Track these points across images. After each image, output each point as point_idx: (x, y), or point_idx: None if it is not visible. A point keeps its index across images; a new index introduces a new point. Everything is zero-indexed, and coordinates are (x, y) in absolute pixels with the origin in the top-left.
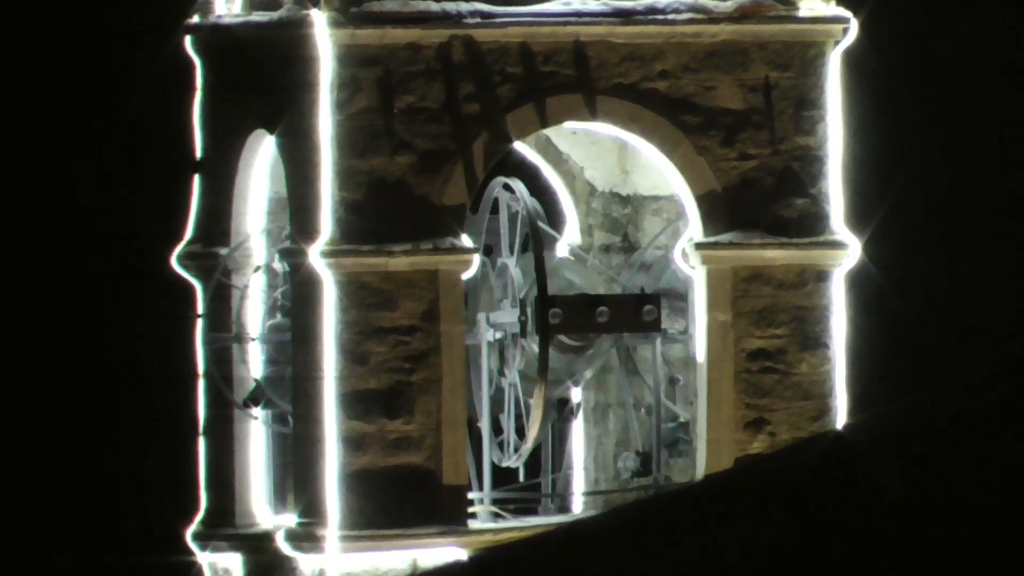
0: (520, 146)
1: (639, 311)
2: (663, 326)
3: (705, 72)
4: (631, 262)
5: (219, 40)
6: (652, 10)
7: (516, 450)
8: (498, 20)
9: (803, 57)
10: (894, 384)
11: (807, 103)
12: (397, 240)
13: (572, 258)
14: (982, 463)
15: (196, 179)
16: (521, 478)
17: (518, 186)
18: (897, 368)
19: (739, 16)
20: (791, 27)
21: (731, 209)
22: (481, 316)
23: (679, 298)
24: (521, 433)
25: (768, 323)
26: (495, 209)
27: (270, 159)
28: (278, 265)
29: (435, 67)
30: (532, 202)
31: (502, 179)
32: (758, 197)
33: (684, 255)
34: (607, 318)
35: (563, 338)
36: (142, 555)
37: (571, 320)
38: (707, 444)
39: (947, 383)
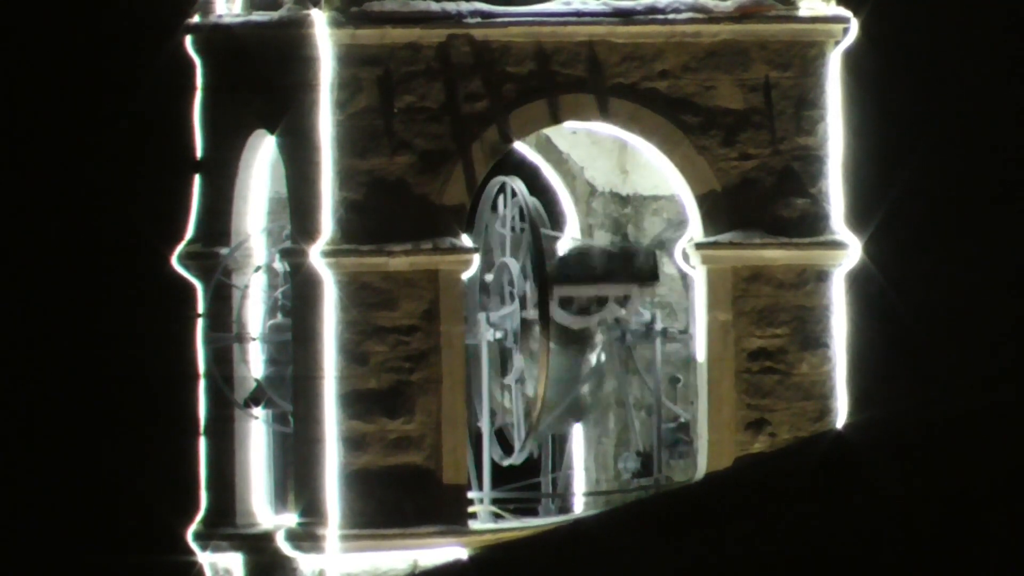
0: (520, 146)
1: (634, 261)
2: (664, 325)
3: (705, 72)
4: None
5: (219, 40)
6: (652, 10)
7: (517, 449)
8: (498, 20)
9: (803, 57)
10: (894, 384)
11: (807, 103)
12: (397, 240)
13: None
14: (982, 463)
15: (196, 179)
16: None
17: (518, 186)
18: (897, 368)
19: (739, 16)
20: (791, 27)
21: (731, 209)
22: (481, 316)
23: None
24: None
25: (768, 323)
26: (494, 207)
27: (270, 159)
28: (278, 265)
29: (435, 67)
30: (533, 201)
31: (502, 178)
32: (758, 197)
33: (684, 255)
34: (603, 266)
35: (562, 316)
36: (142, 555)
37: (567, 273)
38: (708, 444)
39: (947, 383)
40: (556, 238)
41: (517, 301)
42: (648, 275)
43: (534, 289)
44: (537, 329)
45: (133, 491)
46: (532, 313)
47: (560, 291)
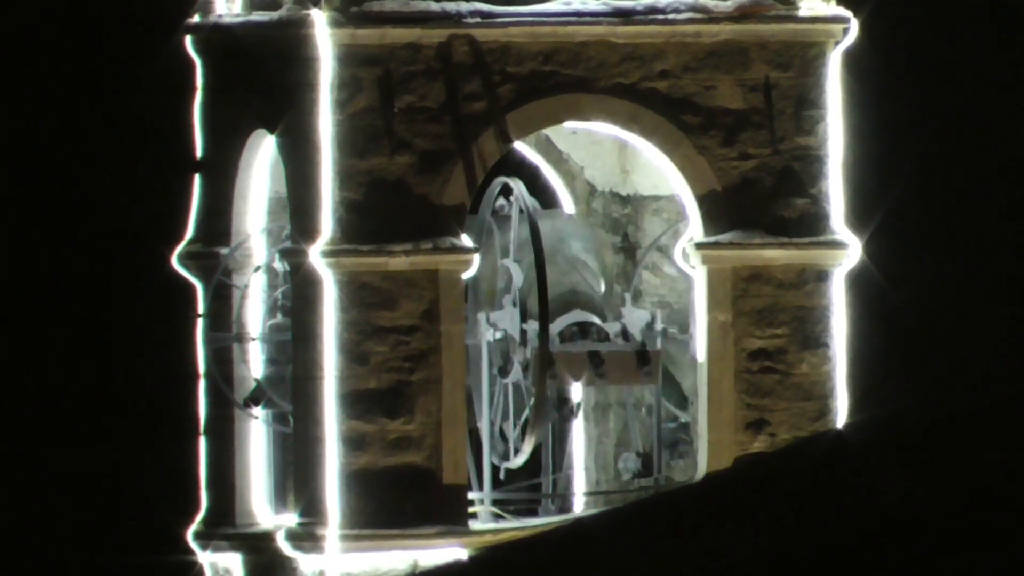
0: (520, 146)
1: (638, 368)
2: (664, 325)
3: (705, 72)
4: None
5: (219, 40)
6: (652, 10)
7: (512, 454)
8: (498, 20)
9: (803, 57)
10: (894, 384)
11: (807, 103)
12: (397, 240)
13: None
14: (982, 463)
15: (196, 179)
16: (502, 477)
17: (518, 186)
18: (897, 368)
19: (739, 16)
20: (791, 27)
21: (731, 209)
22: (481, 316)
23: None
24: (522, 433)
25: (768, 323)
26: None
27: (270, 159)
28: (278, 265)
29: (435, 67)
30: (532, 201)
31: (502, 179)
32: (758, 197)
33: (684, 255)
34: (606, 374)
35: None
36: (142, 555)
37: (570, 371)
38: (708, 444)
39: (947, 383)
40: (559, 214)
41: (518, 307)
42: (648, 377)
43: (534, 361)
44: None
45: (133, 491)
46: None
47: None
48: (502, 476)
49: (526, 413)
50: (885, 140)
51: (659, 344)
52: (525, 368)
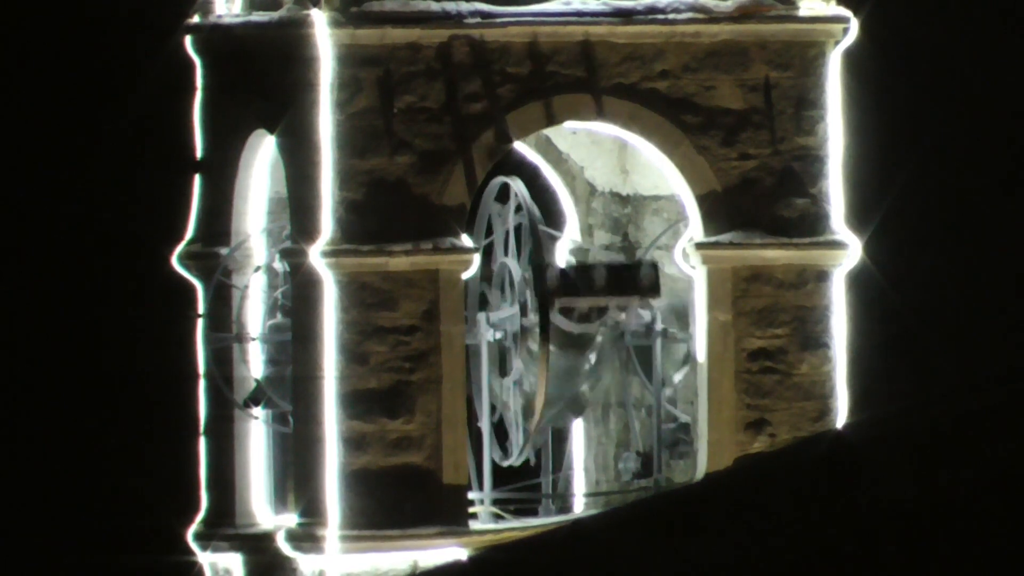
0: (520, 146)
1: (637, 274)
2: (664, 326)
3: (705, 72)
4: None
5: (219, 40)
6: (652, 10)
7: (513, 451)
8: (498, 20)
9: (803, 57)
10: (895, 384)
11: (807, 103)
12: (397, 240)
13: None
14: (982, 463)
15: (196, 179)
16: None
17: (518, 186)
18: (897, 368)
19: (739, 16)
20: (791, 27)
21: (731, 209)
22: (481, 316)
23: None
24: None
25: (768, 323)
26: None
27: (270, 159)
28: (278, 265)
29: (435, 67)
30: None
31: (502, 179)
32: (758, 197)
33: (684, 255)
34: (604, 281)
35: (563, 321)
36: (142, 555)
37: (569, 286)
38: (708, 444)
39: (947, 383)
40: (556, 237)
41: (518, 305)
42: (649, 289)
43: (534, 298)
44: (537, 332)
45: (133, 491)
46: (532, 318)
47: (561, 302)
48: (523, 458)
49: (536, 411)
50: (885, 140)
51: (658, 343)
52: (524, 310)
